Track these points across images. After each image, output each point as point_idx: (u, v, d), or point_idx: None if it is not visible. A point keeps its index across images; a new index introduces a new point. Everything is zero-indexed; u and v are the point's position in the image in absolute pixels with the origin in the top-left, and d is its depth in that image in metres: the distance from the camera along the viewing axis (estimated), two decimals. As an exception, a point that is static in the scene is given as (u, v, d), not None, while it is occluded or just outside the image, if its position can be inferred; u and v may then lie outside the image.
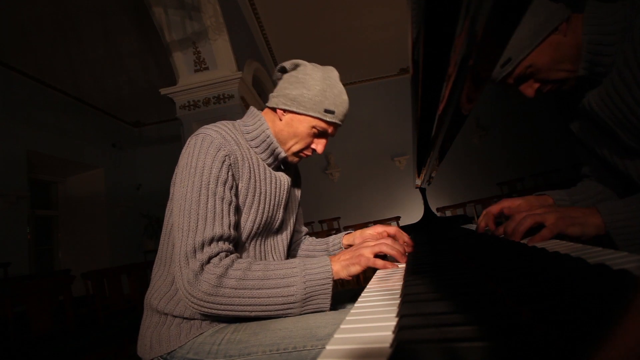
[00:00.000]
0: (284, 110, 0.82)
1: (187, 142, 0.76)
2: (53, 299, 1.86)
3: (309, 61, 0.88)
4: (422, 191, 1.52)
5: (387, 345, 0.26)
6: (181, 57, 3.47)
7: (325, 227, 5.24)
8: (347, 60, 5.74)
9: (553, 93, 0.77)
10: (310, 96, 0.79)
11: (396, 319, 0.32)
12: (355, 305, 0.42)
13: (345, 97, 0.84)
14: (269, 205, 0.82)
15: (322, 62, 0.89)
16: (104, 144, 5.98)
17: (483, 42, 0.27)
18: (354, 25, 4.97)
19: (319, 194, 6.19)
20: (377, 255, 0.71)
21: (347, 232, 1.01)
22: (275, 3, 4.42)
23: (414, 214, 5.65)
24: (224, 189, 0.71)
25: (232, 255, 0.68)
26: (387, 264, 0.69)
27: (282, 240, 0.90)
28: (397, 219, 4.76)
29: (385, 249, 0.70)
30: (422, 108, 0.45)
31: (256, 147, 0.82)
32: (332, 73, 0.84)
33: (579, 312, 0.22)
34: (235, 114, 3.51)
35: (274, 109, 0.85)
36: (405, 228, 1.50)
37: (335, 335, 0.31)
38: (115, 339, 1.96)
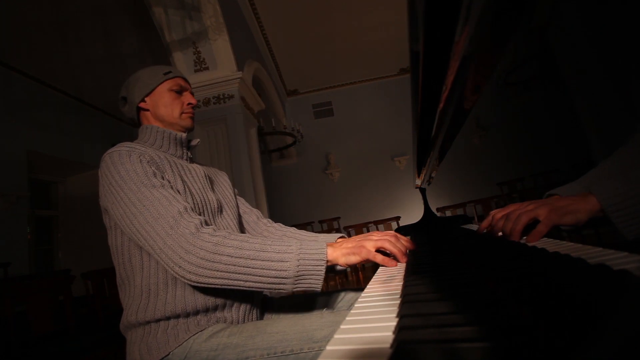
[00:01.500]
0: (143, 100, 0.91)
1: (99, 171, 0.77)
2: (53, 299, 1.86)
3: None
4: (422, 191, 1.52)
5: (388, 345, 0.26)
6: (181, 57, 3.47)
7: (325, 227, 5.24)
8: (347, 60, 5.74)
9: None
10: (146, 76, 0.91)
11: (396, 320, 0.32)
12: (356, 305, 0.42)
13: (173, 67, 0.97)
14: (195, 189, 0.85)
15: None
16: (104, 144, 5.97)
17: (484, 34, 0.27)
18: (354, 25, 4.97)
19: (319, 194, 6.19)
20: (378, 251, 0.71)
21: (341, 235, 0.99)
22: (275, 3, 4.42)
23: (414, 214, 5.65)
24: (157, 179, 0.73)
25: (227, 231, 0.70)
26: (387, 260, 0.69)
27: (229, 218, 0.93)
28: (397, 219, 4.77)
29: (387, 245, 0.70)
30: (423, 101, 0.44)
31: (160, 146, 0.89)
32: (155, 65, 0.96)
33: (579, 312, 0.22)
34: (236, 114, 3.51)
35: (138, 112, 0.93)
36: (405, 228, 1.50)
37: (336, 336, 0.31)
38: (115, 339, 1.96)
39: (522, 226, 0.64)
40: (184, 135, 0.93)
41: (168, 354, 0.68)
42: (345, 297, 0.93)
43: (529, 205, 0.66)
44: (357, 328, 0.32)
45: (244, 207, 1.09)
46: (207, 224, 0.70)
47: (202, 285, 0.66)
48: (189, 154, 0.96)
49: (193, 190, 0.84)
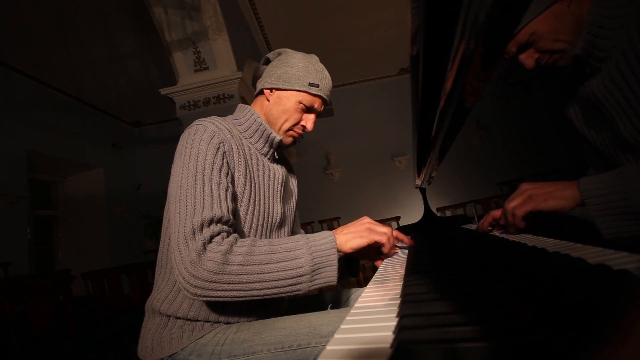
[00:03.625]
0: (270, 90, 0.84)
1: (182, 135, 0.75)
2: (53, 299, 1.86)
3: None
4: (422, 191, 1.52)
5: (388, 345, 0.26)
6: (181, 57, 3.47)
7: (325, 227, 5.24)
8: (347, 60, 5.74)
9: (550, 68, 0.76)
10: (293, 72, 0.81)
11: (396, 319, 0.32)
12: (356, 305, 0.42)
13: (327, 74, 0.86)
14: (265, 197, 0.80)
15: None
16: (104, 144, 5.98)
17: (485, 34, 0.27)
18: (354, 25, 4.97)
19: (319, 194, 6.19)
20: (373, 248, 0.72)
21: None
22: (275, 3, 4.42)
23: (414, 214, 5.65)
24: (220, 174, 0.69)
25: (234, 235, 0.66)
26: (390, 247, 0.69)
27: (284, 235, 0.88)
28: (397, 219, 4.77)
29: (384, 242, 0.70)
30: (423, 101, 0.44)
31: (250, 136, 0.83)
32: (314, 57, 0.87)
33: (579, 312, 0.22)
34: (235, 114, 3.51)
35: (261, 93, 0.87)
36: (405, 228, 1.50)
37: (336, 336, 0.31)
38: (115, 339, 1.96)
39: (520, 222, 0.67)
40: (278, 138, 0.85)
41: (178, 351, 0.69)
42: (353, 295, 0.93)
43: (517, 199, 0.68)
44: (357, 328, 0.32)
45: (296, 225, 1.04)
46: (220, 232, 0.64)
47: (210, 299, 0.61)
48: (276, 155, 0.89)
49: (262, 197, 0.79)
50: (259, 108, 0.86)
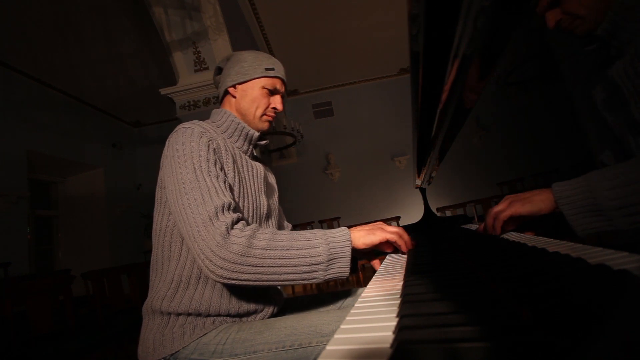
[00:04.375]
0: (234, 87, 0.90)
1: (168, 140, 0.77)
2: (53, 299, 1.86)
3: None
4: (422, 191, 1.52)
5: (388, 345, 0.26)
6: (181, 57, 3.47)
7: (325, 227, 5.24)
8: (347, 60, 5.74)
9: (566, 33, 0.78)
10: (248, 65, 0.88)
11: (396, 319, 0.32)
12: (356, 305, 0.42)
13: (277, 60, 0.93)
14: (251, 190, 0.84)
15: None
16: (104, 144, 5.98)
17: (484, 34, 0.27)
18: (354, 25, 4.97)
19: (319, 194, 6.19)
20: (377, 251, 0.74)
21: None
22: (275, 3, 4.42)
23: (414, 214, 5.65)
24: (216, 168, 0.73)
25: (256, 224, 0.70)
26: (400, 244, 0.72)
27: (272, 226, 0.92)
28: (397, 219, 4.77)
29: (396, 239, 0.72)
30: (423, 101, 0.44)
31: (230, 136, 0.88)
32: (259, 50, 0.94)
33: (580, 312, 0.22)
34: (235, 114, 3.51)
35: (226, 94, 0.92)
36: (405, 228, 1.50)
37: (336, 335, 0.31)
38: (115, 339, 1.96)
39: (500, 229, 0.73)
40: (257, 134, 0.91)
41: (180, 349, 0.69)
42: (353, 295, 0.94)
43: (497, 206, 0.74)
44: (357, 328, 0.32)
45: (282, 218, 1.08)
46: (239, 220, 0.68)
47: (234, 282, 0.63)
48: (255, 152, 0.95)
49: (249, 191, 0.83)
50: (230, 107, 0.92)
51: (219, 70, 0.93)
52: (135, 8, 3.91)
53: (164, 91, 3.56)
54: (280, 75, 0.90)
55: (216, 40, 3.40)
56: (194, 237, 0.64)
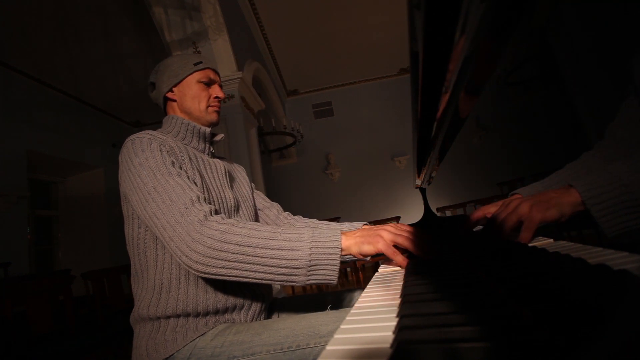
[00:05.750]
0: (171, 90, 0.90)
1: (120, 156, 0.77)
2: (53, 299, 1.85)
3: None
4: (422, 191, 1.52)
5: (388, 345, 0.26)
6: (181, 57, 3.46)
7: (325, 227, 5.23)
8: (347, 60, 5.74)
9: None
10: (176, 66, 0.90)
11: (396, 319, 0.32)
12: (356, 305, 0.42)
13: (205, 55, 0.95)
14: (213, 185, 0.84)
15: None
16: (104, 144, 5.98)
17: (485, 33, 0.27)
18: (354, 25, 4.97)
19: (319, 194, 6.19)
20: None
21: (364, 223, 0.98)
22: (275, 3, 4.42)
23: (414, 214, 5.65)
24: (175, 168, 0.73)
25: (237, 218, 0.69)
26: (401, 258, 0.63)
27: (245, 217, 0.92)
28: (397, 219, 4.76)
29: (405, 243, 0.63)
30: (423, 101, 0.44)
31: (183, 138, 0.88)
32: (186, 52, 0.94)
33: (580, 312, 0.22)
34: (235, 114, 3.51)
35: (166, 101, 0.92)
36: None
37: (336, 336, 0.31)
38: (115, 339, 1.96)
39: (509, 230, 0.64)
40: (208, 129, 0.91)
41: (174, 353, 0.68)
42: (353, 295, 0.93)
43: (511, 205, 0.65)
44: (357, 328, 0.32)
45: (264, 201, 1.08)
46: (216, 213, 0.68)
47: (210, 276, 0.63)
48: (212, 148, 0.95)
49: (211, 187, 0.83)
50: (174, 112, 0.92)
51: (153, 86, 0.93)
52: (135, 8, 3.91)
53: (164, 91, 3.55)
54: (210, 66, 0.92)
55: (216, 40, 3.40)
56: (170, 237, 0.65)
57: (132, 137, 0.78)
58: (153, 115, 6.52)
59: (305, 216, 1.10)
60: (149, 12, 3.33)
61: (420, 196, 1.55)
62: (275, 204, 1.09)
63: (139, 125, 6.87)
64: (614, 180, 0.56)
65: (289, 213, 1.09)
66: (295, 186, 6.24)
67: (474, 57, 0.30)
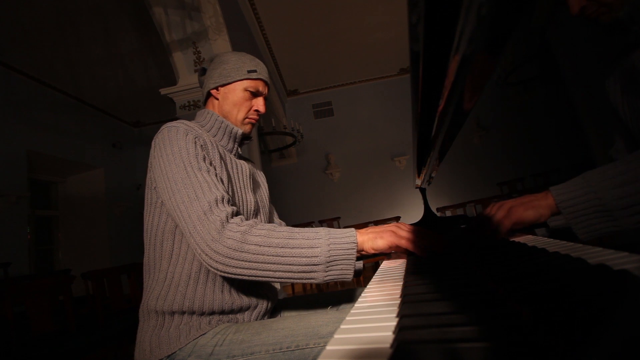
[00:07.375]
0: (216, 89, 0.90)
1: (154, 141, 0.78)
2: (53, 299, 1.86)
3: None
4: (422, 191, 1.52)
5: (388, 345, 0.26)
6: (181, 57, 3.46)
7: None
8: (347, 60, 5.74)
9: (590, 20, 0.74)
10: (230, 67, 0.89)
11: (396, 319, 0.32)
12: (356, 305, 0.42)
13: (260, 61, 0.93)
14: (238, 187, 0.85)
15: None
16: (104, 144, 5.98)
17: (484, 33, 0.27)
18: (354, 25, 4.97)
19: (319, 194, 6.19)
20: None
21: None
22: (275, 3, 4.42)
23: (414, 214, 5.65)
24: (205, 164, 0.74)
25: (255, 219, 0.70)
26: (414, 250, 0.66)
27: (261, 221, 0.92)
28: (397, 219, 4.76)
29: (409, 246, 0.66)
30: (423, 101, 0.44)
31: (215, 135, 0.88)
32: (243, 52, 0.94)
33: (580, 312, 0.22)
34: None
35: (209, 96, 0.92)
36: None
37: (336, 336, 0.31)
38: (115, 339, 1.96)
39: (505, 233, 0.69)
40: (240, 131, 0.91)
41: (176, 351, 0.69)
42: (353, 295, 0.94)
43: (495, 206, 0.71)
44: (357, 328, 0.32)
45: (275, 219, 1.08)
46: (237, 214, 0.69)
47: (231, 275, 0.64)
48: (239, 150, 0.95)
49: (235, 187, 0.83)
50: (213, 109, 0.92)
51: (203, 71, 0.94)
52: (135, 8, 3.91)
53: (164, 91, 3.55)
54: (262, 77, 0.90)
55: (216, 40, 3.40)
56: (191, 233, 0.66)
57: (169, 124, 0.78)
58: (153, 115, 6.53)
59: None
60: (149, 12, 3.33)
61: (420, 196, 1.55)
62: (282, 222, 1.10)
63: (139, 126, 6.87)
64: (585, 185, 0.59)
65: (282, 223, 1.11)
66: (295, 186, 6.24)
67: (474, 57, 0.30)
